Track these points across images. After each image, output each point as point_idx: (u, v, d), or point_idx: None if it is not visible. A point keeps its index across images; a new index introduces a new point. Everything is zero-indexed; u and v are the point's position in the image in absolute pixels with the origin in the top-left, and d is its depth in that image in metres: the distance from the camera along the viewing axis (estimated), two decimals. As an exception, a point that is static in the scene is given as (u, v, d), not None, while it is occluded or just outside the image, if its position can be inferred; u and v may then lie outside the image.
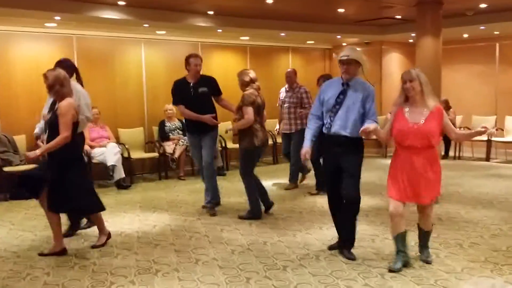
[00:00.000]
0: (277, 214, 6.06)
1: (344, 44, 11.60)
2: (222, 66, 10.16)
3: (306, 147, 4.51)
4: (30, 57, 7.99)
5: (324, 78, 7.01)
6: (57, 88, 4.59)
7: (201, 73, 6.19)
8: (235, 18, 8.20)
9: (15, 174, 7.40)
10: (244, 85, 5.89)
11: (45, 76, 4.67)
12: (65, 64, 5.28)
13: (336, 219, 4.67)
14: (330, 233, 5.22)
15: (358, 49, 4.60)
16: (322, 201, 6.72)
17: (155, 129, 9.15)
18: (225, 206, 6.48)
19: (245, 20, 8.36)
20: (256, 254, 4.64)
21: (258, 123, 5.78)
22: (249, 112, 5.65)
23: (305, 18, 8.72)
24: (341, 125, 4.34)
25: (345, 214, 4.52)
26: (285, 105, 7.48)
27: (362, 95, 4.35)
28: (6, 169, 7.44)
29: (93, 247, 4.87)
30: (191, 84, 6.13)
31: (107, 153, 7.89)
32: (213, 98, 6.26)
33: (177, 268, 4.30)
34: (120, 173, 7.87)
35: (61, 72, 4.69)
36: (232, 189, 7.54)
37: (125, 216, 6.15)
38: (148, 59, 9.16)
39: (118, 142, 8.42)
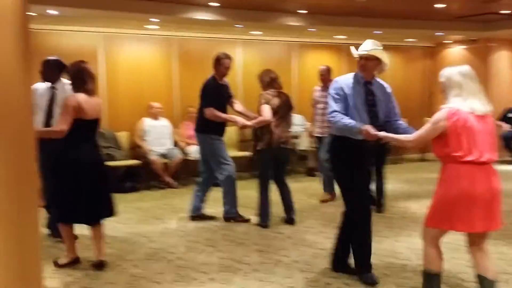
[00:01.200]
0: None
1: (447, 41, 10.98)
2: (317, 65, 10.03)
3: (362, 126, 3.72)
4: (133, 58, 8.44)
5: None
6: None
7: None
8: (328, 16, 8.06)
9: (118, 169, 7.88)
10: (265, 86, 5.67)
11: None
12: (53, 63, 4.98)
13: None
14: (421, 242, 4.94)
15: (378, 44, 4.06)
16: (416, 206, 6.41)
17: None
18: (310, 208, 6.40)
19: (339, 18, 8.18)
20: (339, 259, 4.51)
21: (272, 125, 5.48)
22: (265, 112, 5.43)
23: (402, 15, 8.35)
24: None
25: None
26: (318, 105, 7.00)
27: (386, 94, 4.03)
28: (109, 163, 7.93)
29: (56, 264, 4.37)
30: (223, 85, 5.98)
31: (193, 153, 8.12)
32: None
33: (257, 268, 4.30)
34: (213, 171, 8.06)
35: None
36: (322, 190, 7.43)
37: (213, 213, 6.27)
38: (244, 59, 9.29)
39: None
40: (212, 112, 5.69)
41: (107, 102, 8.32)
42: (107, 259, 4.45)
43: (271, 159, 5.55)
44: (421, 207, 6.34)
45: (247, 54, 9.35)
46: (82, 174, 4.15)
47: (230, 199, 5.80)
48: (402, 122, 4.08)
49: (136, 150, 8.11)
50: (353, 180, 3.90)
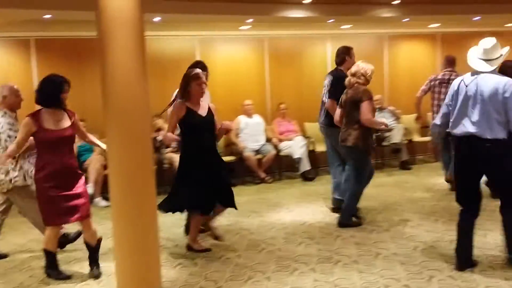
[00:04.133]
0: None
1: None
2: (409, 56, 9.82)
3: None
4: (227, 59, 8.75)
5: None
6: None
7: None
8: (421, 5, 7.83)
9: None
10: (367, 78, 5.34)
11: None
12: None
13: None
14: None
15: None
16: None
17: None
18: (406, 201, 6.32)
19: (433, 7, 7.91)
20: (441, 252, 4.45)
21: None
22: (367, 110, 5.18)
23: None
24: None
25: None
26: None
27: None
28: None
29: None
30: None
31: (294, 146, 8.27)
32: None
33: (356, 260, 4.36)
34: (305, 166, 8.19)
35: None
36: (419, 183, 7.28)
37: (309, 207, 6.39)
38: (334, 54, 9.27)
39: (304, 135, 8.74)
40: (331, 105, 5.72)
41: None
42: (215, 249, 4.74)
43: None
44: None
45: (336, 48, 9.31)
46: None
47: None
48: None
49: (231, 147, 8.40)
50: None
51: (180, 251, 4.87)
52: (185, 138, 4.61)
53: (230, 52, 8.79)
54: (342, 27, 8.86)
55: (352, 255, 4.51)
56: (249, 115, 8.36)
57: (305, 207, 6.36)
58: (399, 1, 7.52)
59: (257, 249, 4.82)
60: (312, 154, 8.47)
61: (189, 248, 4.79)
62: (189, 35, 8.48)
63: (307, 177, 8.17)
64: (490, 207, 5.86)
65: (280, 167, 8.42)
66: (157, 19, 6.85)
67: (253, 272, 4.22)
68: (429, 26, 9.45)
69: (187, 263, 4.52)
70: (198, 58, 8.52)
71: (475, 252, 4.36)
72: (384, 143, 8.79)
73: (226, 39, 8.76)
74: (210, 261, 4.53)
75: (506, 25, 10.12)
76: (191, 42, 8.53)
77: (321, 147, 8.77)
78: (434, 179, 7.47)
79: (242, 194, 7.40)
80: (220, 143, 8.54)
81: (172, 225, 5.56)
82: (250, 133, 8.28)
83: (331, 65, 9.26)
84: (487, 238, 4.77)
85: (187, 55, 8.41)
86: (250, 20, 7.51)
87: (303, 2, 7.06)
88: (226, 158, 8.20)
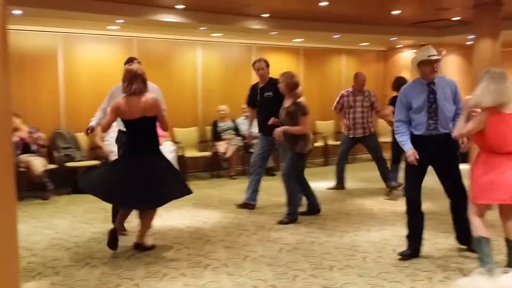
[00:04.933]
0: (325, 215, 6.11)
1: (398, 46, 11.45)
2: (275, 68, 10.26)
3: (412, 150, 4.35)
4: (93, 59, 8.40)
5: (402, 80, 7.27)
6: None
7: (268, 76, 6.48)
8: (289, 20, 8.29)
9: (77, 169, 7.84)
10: (292, 89, 5.77)
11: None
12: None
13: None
14: (379, 235, 5.23)
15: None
16: (372, 203, 6.71)
17: (208, 129, 9.39)
18: (274, 205, 6.60)
19: (299, 23, 8.43)
20: (304, 253, 4.72)
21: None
22: (307, 122, 5.76)
23: (360, 20, 8.70)
24: (442, 124, 4.38)
25: (459, 210, 4.50)
26: (358, 109, 7.53)
27: (451, 90, 4.44)
28: (68, 164, 7.86)
29: None
30: (259, 88, 6.47)
31: (163, 151, 8.12)
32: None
33: (226, 263, 4.45)
34: (174, 171, 8.13)
35: None
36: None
37: (178, 212, 6.37)
38: (204, 60, 9.41)
39: (174, 141, 8.70)
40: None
41: (66, 103, 8.26)
42: (77, 257, 4.50)
43: (304, 162, 6.01)
44: (376, 204, 6.67)
45: (207, 55, 9.46)
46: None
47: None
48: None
49: (96, 151, 8.06)
50: None
51: (39, 260, 4.55)
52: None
53: (97, 52, 8.46)
54: (213, 34, 9.01)
55: (222, 258, 4.59)
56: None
57: (174, 212, 6.32)
58: (268, 14, 7.87)
59: (125, 255, 4.69)
60: (181, 160, 8.45)
61: (139, 246, 4.76)
62: (51, 31, 8.00)
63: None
64: (346, 210, 6.37)
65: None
66: (17, 12, 6.36)
67: (121, 280, 4.09)
68: (294, 40, 10.01)
69: (48, 273, 4.24)
70: (60, 55, 8.08)
71: (333, 252, 4.72)
72: (251, 150, 9.07)
73: (92, 38, 8.41)
74: (74, 270, 4.31)
75: (360, 44, 11.12)
76: (53, 38, 8.06)
77: (190, 153, 8.82)
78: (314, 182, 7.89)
79: (107, 199, 7.14)
80: (84, 146, 8.19)
81: (31, 233, 5.18)
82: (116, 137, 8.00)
83: (201, 71, 9.38)
84: (344, 239, 5.16)
85: (48, 51, 7.96)
86: (121, 21, 7.30)
87: (176, 7, 7.05)
88: (90, 162, 7.87)
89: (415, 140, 4.40)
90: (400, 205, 6.61)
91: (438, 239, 5.10)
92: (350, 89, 7.60)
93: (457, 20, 8.75)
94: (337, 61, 11.23)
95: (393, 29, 9.42)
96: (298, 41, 10.17)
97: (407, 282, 4.00)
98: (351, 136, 7.60)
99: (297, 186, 5.93)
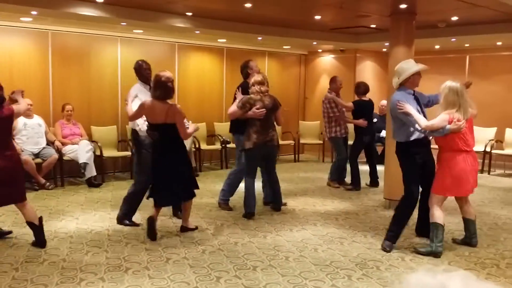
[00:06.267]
0: (248, 215, 6.12)
1: (319, 50, 11.76)
2: (199, 67, 10.20)
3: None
4: (3, 52, 7.87)
5: (365, 86, 7.94)
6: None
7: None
8: (213, 20, 8.23)
9: None
10: (249, 88, 6.09)
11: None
12: None
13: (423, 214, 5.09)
14: (300, 235, 5.32)
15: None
16: (294, 203, 6.82)
17: (128, 128, 9.10)
18: (196, 206, 6.52)
19: (223, 23, 8.39)
20: (227, 254, 4.69)
21: (258, 126, 5.91)
22: (231, 108, 6.01)
23: (282, 23, 8.81)
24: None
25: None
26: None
27: (425, 102, 5.07)
28: None
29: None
30: None
31: (79, 150, 7.83)
32: None
33: (147, 267, 4.32)
34: (91, 171, 7.81)
35: None
36: (205, 189, 7.56)
37: (96, 214, 6.12)
38: (124, 57, 9.11)
39: (91, 140, 8.36)
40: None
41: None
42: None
43: (251, 159, 6.06)
44: (298, 204, 6.79)
45: (127, 52, 9.18)
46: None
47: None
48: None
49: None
50: None
51: None
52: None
53: (7, 45, 7.92)
54: (134, 31, 8.76)
55: (143, 261, 4.45)
56: (28, 115, 7.63)
57: (92, 214, 6.07)
58: (192, 13, 7.76)
59: (38, 260, 4.42)
60: (99, 159, 8.14)
61: (185, 229, 5.35)
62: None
63: (93, 183, 7.81)
64: (269, 211, 6.42)
65: (63, 173, 7.88)
66: None
67: (34, 286, 3.85)
68: (218, 40, 9.97)
69: (-50, 282, 3.90)
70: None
71: (257, 253, 4.73)
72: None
73: (2, 30, 7.87)
74: (-20, 278, 4.00)
75: (284, 47, 11.29)
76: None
77: (108, 152, 8.50)
78: (218, 185, 7.84)
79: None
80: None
81: None
82: (29, 135, 7.57)
83: (121, 68, 9.08)
84: (267, 239, 5.19)
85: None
86: (35, 12, 6.89)
87: (97, 0, 6.76)
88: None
89: (416, 144, 4.82)
90: (321, 205, 6.80)
91: (356, 238, 5.27)
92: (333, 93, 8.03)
93: (374, 28, 9.11)
94: (260, 62, 11.28)
95: (314, 34, 9.64)
96: (222, 42, 10.14)
97: (328, 280, 4.09)
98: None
99: (250, 183, 6.10)
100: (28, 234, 5.15)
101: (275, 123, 6.17)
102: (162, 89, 5.00)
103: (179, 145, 5.15)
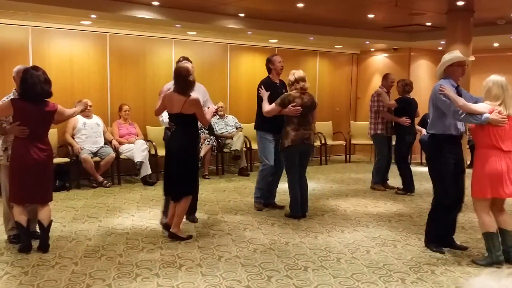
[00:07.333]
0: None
1: (372, 49, 11.59)
2: (250, 68, 10.27)
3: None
4: (64, 54, 8.21)
5: (407, 83, 7.50)
6: None
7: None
8: (265, 21, 8.29)
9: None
10: (289, 85, 6.11)
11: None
12: None
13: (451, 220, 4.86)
14: (352, 236, 5.27)
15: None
16: (345, 204, 6.76)
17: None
18: (248, 206, 6.58)
19: (275, 23, 8.44)
20: (278, 254, 4.71)
21: (295, 123, 5.88)
22: (266, 106, 5.99)
23: (334, 23, 8.76)
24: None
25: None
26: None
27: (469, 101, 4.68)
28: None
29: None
30: (277, 84, 6.39)
31: (135, 149, 8.07)
32: None
33: (200, 264, 4.40)
34: (146, 170, 8.03)
35: None
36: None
37: (151, 211, 6.29)
38: (178, 58, 9.28)
39: (146, 139, 8.58)
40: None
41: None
42: (46, 257, 4.40)
43: (290, 157, 5.98)
44: (349, 205, 6.73)
45: (181, 53, 9.31)
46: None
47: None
48: None
49: (66, 148, 7.89)
50: None
51: (5, 259, 4.42)
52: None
53: (68, 47, 8.26)
54: (188, 32, 8.94)
55: (196, 259, 4.54)
56: (87, 115, 7.93)
57: (147, 212, 6.24)
58: (244, 14, 7.84)
59: (96, 255, 4.59)
60: (154, 158, 8.35)
61: (173, 236, 5.07)
62: (22, 25, 7.79)
63: (148, 181, 8.03)
64: (320, 211, 6.38)
65: (119, 171, 8.14)
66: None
67: (92, 280, 4.00)
68: (270, 41, 10.02)
69: (15, 272, 4.12)
70: (30, 49, 7.86)
71: (308, 253, 4.72)
72: (225, 150, 9.06)
73: (63, 33, 8.21)
74: (43, 270, 4.19)
75: (335, 46, 11.20)
76: (24, 32, 7.84)
77: (162, 151, 8.68)
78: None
79: (78, 198, 7.01)
80: (54, 143, 7.98)
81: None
82: (88, 134, 7.86)
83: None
84: (318, 239, 5.17)
85: (18, 45, 7.73)
86: (94, 16, 7.16)
87: (151, 3, 6.95)
88: (60, 160, 7.69)
89: (449, 141, 4.62)
90: (373, 206, 6.70)
91: (410, 241, 5.16)
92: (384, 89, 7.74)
93: (429, 26, 8.90)
94: (311, 62, 11.27)
95: (366, 33, 9.52)
96: (273, 42, 10.17)
97: (380, 283, 4.03)
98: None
99: (294, 182, 6.05)
100: (87, 230, 5.37)
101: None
102: (181, 83, 5.02)
103: (190, 136, 5.16)
